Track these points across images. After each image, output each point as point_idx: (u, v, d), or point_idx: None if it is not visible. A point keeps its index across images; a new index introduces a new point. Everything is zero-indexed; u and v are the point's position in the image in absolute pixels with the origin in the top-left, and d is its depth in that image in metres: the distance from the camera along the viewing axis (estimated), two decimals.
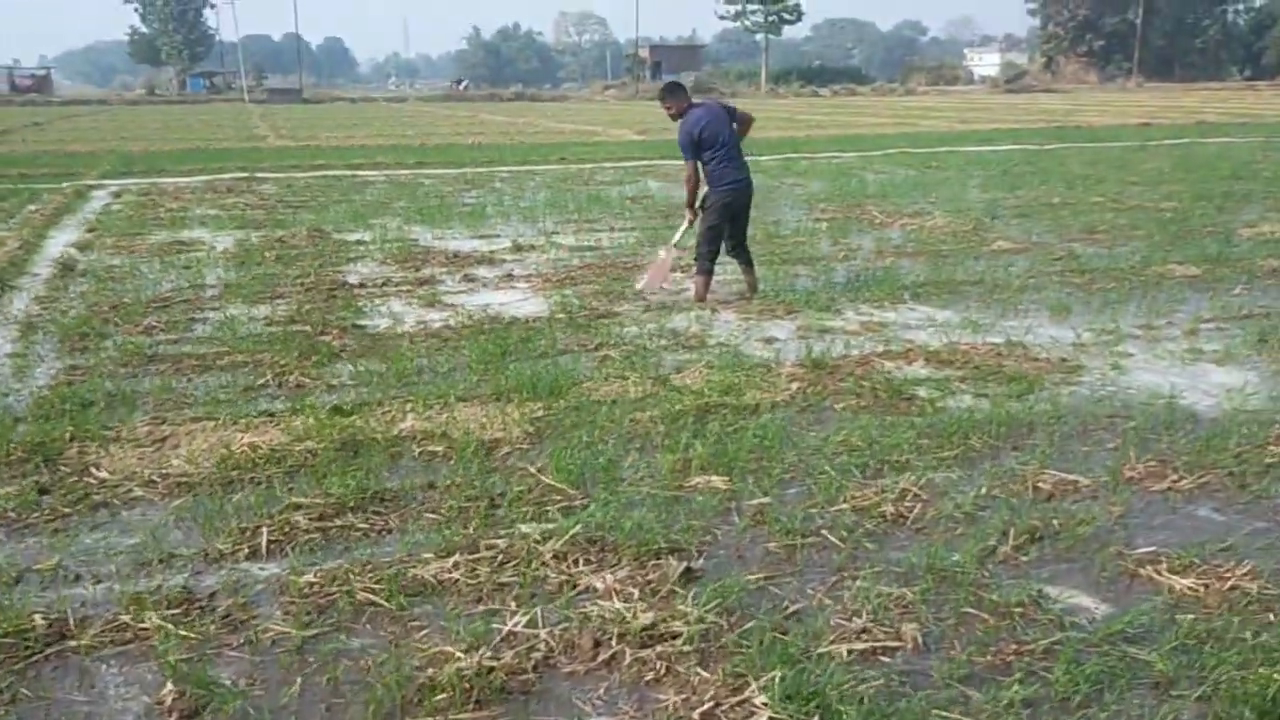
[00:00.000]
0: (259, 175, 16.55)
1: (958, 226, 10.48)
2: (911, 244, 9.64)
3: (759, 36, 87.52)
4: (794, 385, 5.30)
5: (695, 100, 7.37)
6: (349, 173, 17.01)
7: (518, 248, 9.58)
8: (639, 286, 7.64)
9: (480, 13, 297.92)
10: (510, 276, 8.38)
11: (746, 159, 7.46)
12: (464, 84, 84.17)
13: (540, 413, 4.88)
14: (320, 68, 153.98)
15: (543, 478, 4.11)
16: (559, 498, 3.94)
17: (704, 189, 7.29)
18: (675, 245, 7.69)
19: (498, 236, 10.29)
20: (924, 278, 8.00)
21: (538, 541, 3.52)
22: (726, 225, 7.28)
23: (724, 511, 3.84)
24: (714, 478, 4.10)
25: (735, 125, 7.29)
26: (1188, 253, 8.80)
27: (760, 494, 3.97)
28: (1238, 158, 17.74)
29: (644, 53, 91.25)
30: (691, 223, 7.40)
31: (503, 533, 3.64)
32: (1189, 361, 5.74)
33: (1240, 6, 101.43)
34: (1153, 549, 3.49)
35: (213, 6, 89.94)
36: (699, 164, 7.17)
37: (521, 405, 4.97)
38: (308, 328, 6.62)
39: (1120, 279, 7.88)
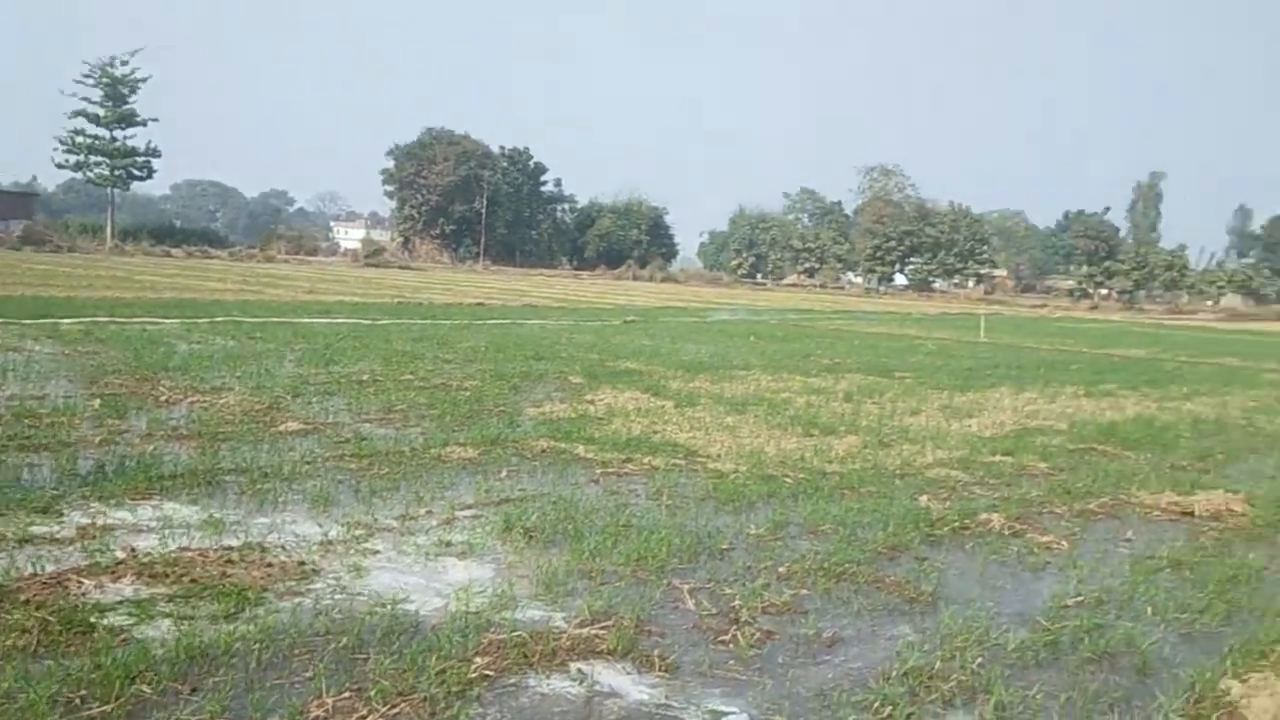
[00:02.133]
0: None
1: (252, 405, 9.74)
2: (192, 425, 8.67)
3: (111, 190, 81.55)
4: None
5: None
6: None
7: None
8: None
9: None
10: None
11: None
12: None
13: None
14: None
15: None
16: None
17: None
18: None
19: None
20: (186, 467, 7.07)
21: None
22: None
23: None
24: None
25: None
26: (471, 434, 8.96)
27: None
28: (546, 339, 19.56)
29: None
30: None
31: None
32: (434, 557, 5.49)
33: (567, 206, 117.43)
34: None
35: None
36: None
37: None
38: None
39: (398, 463, 7.68)
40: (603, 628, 4.45)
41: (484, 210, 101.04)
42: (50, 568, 4.86)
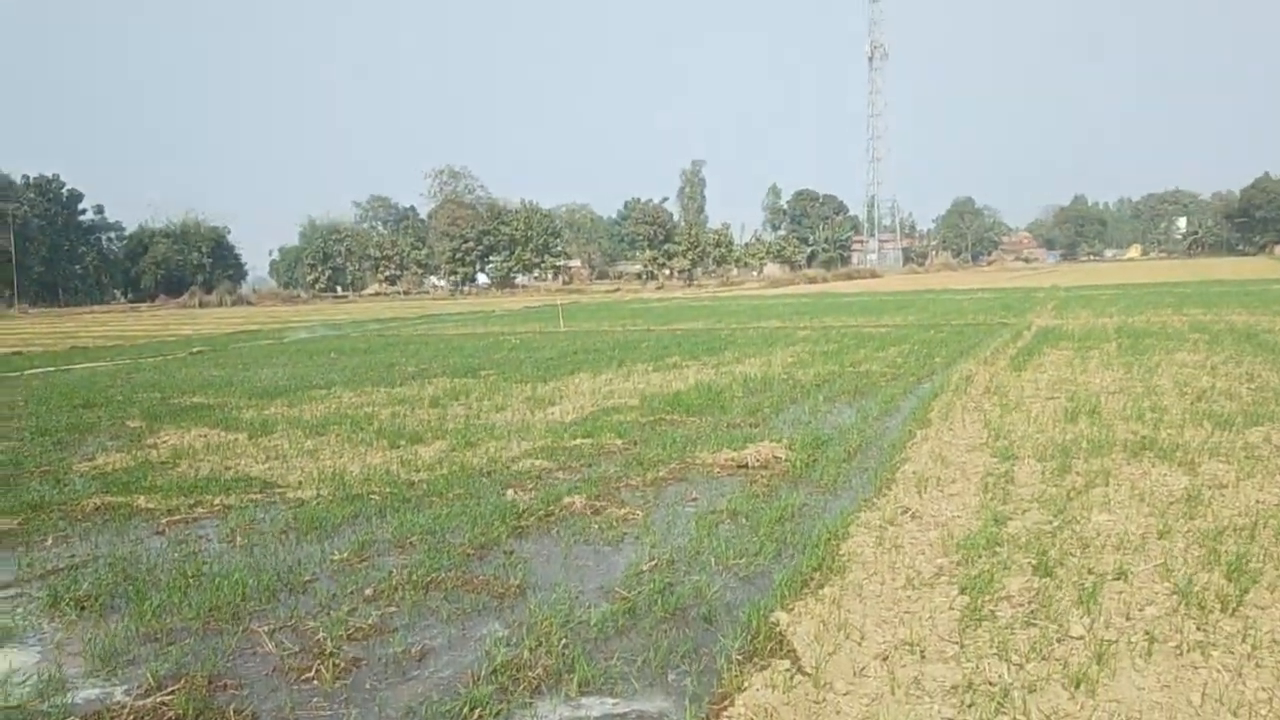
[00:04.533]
0: None
1: None
2: None
3: None
4: None
5: None
6: None
7: None
8: None
9: None
10: None
11: None
12: None
13: None
14: None
15: None
16: None
17: None
18: None
19: None
20: None
21: None
22: None
23: None
24: None
25: None
26: (7, 502, 7.90)
27: None
28: (97, 384, 17.67)
29: None
30: None
31: None
32: None
33: (113, 235, 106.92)
34: None
35: None
36: None
37: None
38: None
39: None
40: (170, 693, 4.11)
41: (13, 247, 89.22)
42: None
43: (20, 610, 5.35)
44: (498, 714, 3.91)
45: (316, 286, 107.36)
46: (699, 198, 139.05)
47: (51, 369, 21.88)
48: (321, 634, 4.79)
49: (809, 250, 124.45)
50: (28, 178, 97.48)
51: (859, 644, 4.43)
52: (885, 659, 4.26)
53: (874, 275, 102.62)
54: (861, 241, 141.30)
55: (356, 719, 3.91)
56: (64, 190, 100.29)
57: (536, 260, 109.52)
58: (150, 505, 7.71)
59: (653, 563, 5.80)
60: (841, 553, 5.73)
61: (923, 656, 4.27)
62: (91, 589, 5.58)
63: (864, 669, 4.19)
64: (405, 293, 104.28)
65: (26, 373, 20.98)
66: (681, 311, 39.71)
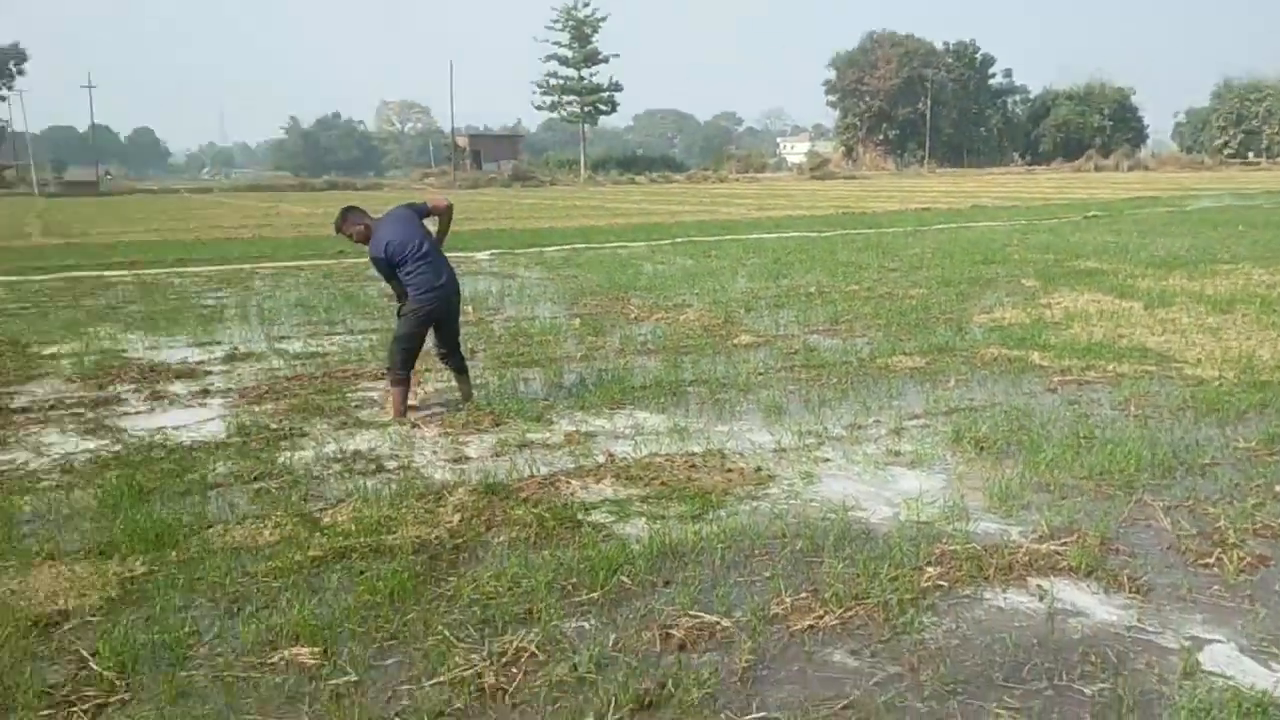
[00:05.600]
0: None
1: (709, 319, 10.33)
2: (658, 340, 9.38)
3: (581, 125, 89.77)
4: (457, 517, 4.78)
5: (375, 217, 6.92)
6: (95, 274, 15.79)
7: (232, 357, 8.83)
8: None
9: (300, 102, 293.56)
10: (206, 392, 7.62)
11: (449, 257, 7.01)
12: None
13: (141, 570, 4.19)
14: (130, 158, 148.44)
15: (92, 663, 3.43)
16: (94, 692, 3.26)
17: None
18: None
19: (219, 344, 9.50)
20: (654, 378, 7.68)
21: None
22: (424, 333, 6.78)
23: (295, 698, 3.24)
24: (304, 649, 3.50)
25: (428, 220, 6.92)
26: (918, 343, 8.82)
27: (351, 669, 3.40)
28: (995, 241, 18.60)
29: (463, 141, 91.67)
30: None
31: None
32: (882, 466, 5.53)
33: (1018, 98, 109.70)
34: (763, 715, 3.09)
35: (3, 98, 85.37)
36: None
37: (123, 561, 4.26)
38: None
39: (846, 373, 7.77)
40: (1063, 544, 4.24)
41: (928, 111, 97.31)
42: (544, 470, 5.54)
43: (927, 440, 5.98)
44: None
45: (1224, 152, 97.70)
46: None
47: (954, 226, 23.60)
48: (1223, 522, 4.48)
49: None
50: (947, 44, 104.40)
51: None
52: None
53: None
54: None
55: (1266, 620, 3.60)
56: (978, 55, 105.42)
57: None
58: (1043, 362, 7.94)
59: None
60: None
61: None
62: (989, 432, 5.98)
63: None
64: None
65: (934, 228, 22.95)
66: None
